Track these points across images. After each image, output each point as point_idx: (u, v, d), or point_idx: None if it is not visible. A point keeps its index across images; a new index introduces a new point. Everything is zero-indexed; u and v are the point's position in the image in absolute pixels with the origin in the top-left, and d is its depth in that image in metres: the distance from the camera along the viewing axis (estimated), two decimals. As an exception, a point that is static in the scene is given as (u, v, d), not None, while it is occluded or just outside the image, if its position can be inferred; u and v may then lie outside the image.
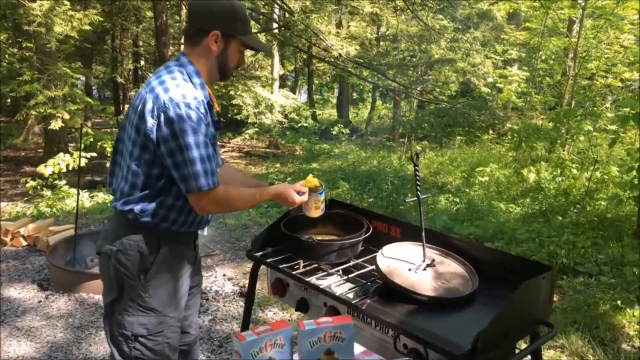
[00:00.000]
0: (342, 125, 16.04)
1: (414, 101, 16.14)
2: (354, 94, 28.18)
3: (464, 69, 14.45)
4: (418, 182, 1.98)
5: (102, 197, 8.24)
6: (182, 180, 1.86)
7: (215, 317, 3.77)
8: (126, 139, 1.98)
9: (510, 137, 10.81)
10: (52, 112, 8.93)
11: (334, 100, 26.46)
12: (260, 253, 2.37)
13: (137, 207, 1.94)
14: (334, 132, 15.77)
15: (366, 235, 2.29)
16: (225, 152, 15.69)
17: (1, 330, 3.57)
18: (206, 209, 1.93)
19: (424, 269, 1.97)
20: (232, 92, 15.73)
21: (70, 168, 7.47)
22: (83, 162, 7.79)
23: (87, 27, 8.65)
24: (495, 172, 9.26)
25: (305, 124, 16.24)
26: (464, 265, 2.03)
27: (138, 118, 1.89)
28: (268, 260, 2.28)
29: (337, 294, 1.96)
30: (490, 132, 14.31)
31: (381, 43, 18.36)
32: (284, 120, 16.11)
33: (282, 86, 20.70)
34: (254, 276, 2.42)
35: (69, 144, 12.85)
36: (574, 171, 8.75)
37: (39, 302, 4.01)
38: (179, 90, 1.86)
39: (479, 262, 2.04)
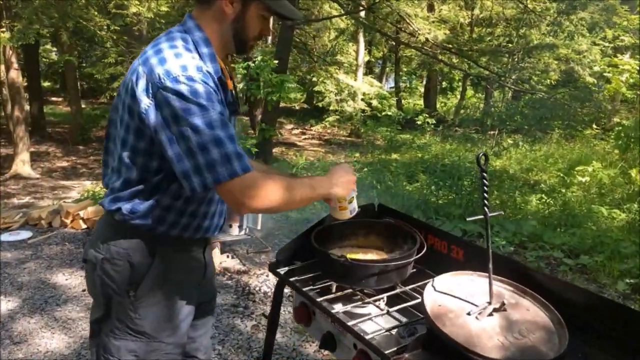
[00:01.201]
0: (427, 115, 15.24)
1: (508, 91, 14.96)
2: (444, 83, 26.93)
3: (566, 55, 13.10)
4: (486, 196, 1.44)
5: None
6: (196, 174, 1.43)
7: (259, 324, 3.40)
8: (118, 122, 1.60)
9: (617, 133, 9.58)
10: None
11: (422, 89, 25.43)
12: (285, 269, 1.93)
13: (127, 207, 1.57)
14: (418, 122, 15.01)
15: (418, 256, 1.78)
16: (305, 139, 15.47)
17: (39, 319, 3.43)
18: (246, 203, 1.46)
19: (490, 314, 1.44)
20: (314, 79, 15.42)
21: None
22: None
23: (165, 9, 8.60)
24: (597, 171, 8.21)
25: (389, 113, 15.61)
26: (549, 312, 1.46)
27: (130, 97, 1.51)
28: (292, 279, 1.84)
29: (368, 337, 1.48)
30: (594, 126, 12.92)
31: (475, 28, 17.21)
32: (367, 108, 15.57)
33: (368, 73, 20.13)
34: (277, 297, 1.99)
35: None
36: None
37: (83, 290, 3.85)
38: (178, 61, 1.45)
39: (571, 306, 1.47)
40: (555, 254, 4.88)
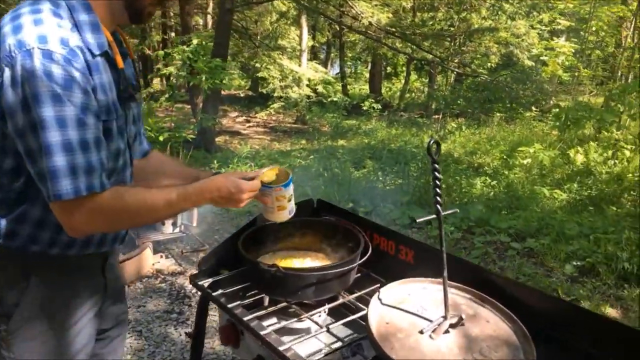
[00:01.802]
0: (373, 100, 15.16)
1: (451, 75, 15.07)
2: (388, 68, 26.99)
3: (506, 39, 13.26)
4: (438, 191, 1.22)
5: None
6: (39, 179, 1.15)
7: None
8: None
9: (556, 114, 9.76)
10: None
11: (367, 74, 25.43)
12: (209, 280, 1.66)
13: None
14: (364, 108, 14.92)
15: (362, 260, 1.55)
16: (250, 127, 15.05)
17: None
18: (79, 228, 1.21)
19: (446, 331, 1.22)
20: (257, 65, 14.98)
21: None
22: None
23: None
24: (538, 152, 8.30)
25: (334, 99, 15.41)
26: (511, 322, 1.27)
27: None
28: (217, 293, 1.57)
29: (304, 363, 1.24)
30: (533, 109, 13.19)
31: (417, 12, 17.22)
32: (313, 94, 15.31)
33: (312, 59, 19.82)
34: (201, 315, 1.71)
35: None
36: (628, 153, 7.73)
37: None
38: (37, 29, 1.13)
39: (535, 315, 1.28)
40: (502, 238, 4.82)
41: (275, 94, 14.98)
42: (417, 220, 1.27)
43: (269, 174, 1.55)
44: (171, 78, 11.10)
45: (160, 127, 8.03)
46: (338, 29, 18.57)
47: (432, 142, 1.19)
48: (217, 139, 11.11)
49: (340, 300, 1.57)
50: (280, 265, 1.64)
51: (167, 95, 9.72)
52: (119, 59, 1.29)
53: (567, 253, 4.43)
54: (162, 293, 3.64)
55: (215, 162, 7.77)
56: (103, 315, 1.51)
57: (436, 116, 12.97)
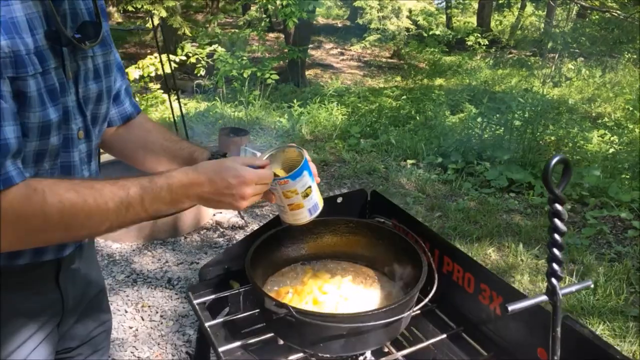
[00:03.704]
0: (479, 35, 13.77)
1: (574, 8, 13.19)
2: (501, -2, 24.50)
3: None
4: (556, 254, 0.65)
5: (194, 104, 7.53)
6: None
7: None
8: None
9: None
10: (148, 8, 8.25)
11: (476, 5, 23.34)
12: (211, 298, 1.22)
13: None
14: (469, 43, 13.61)
15: (422, 304, 1.03)
16: (343, 60, 14.36)
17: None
18: None
19: None
20: (354, -8, 14.03)
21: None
22: (173, 66, 7.12)
23: None
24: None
25: (436, 32, 14.19)
26: None
27: None
28: (213, 325, 1.13)
29: None
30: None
31: None
32: (412, 27, 14.17)
33: (416, -13, 18.34)
34: (202, 346, 1.29)
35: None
36: None
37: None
38: None
39: None
40: (622, 214, 3.99)
41: (372, 26, 14.05)
42: (510, 308, 0.69)
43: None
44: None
45: (243, 63, 7.65)
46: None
47: (556, 160, 0.62)
48: (307, 73, 10.63)
49: (386, 359, 1.07)
50: (305, 287, 1.17)
51: (262, 24, 9.25)
52: None
53: None
54: (218, 250, 3.34)
55: (295, 101, 7.30)
56: (64, 334, 1.13)
57: (551, 56, 11.48)
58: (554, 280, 0.68)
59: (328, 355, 1.05)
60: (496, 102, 7.73)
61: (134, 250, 3.25)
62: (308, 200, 1.06)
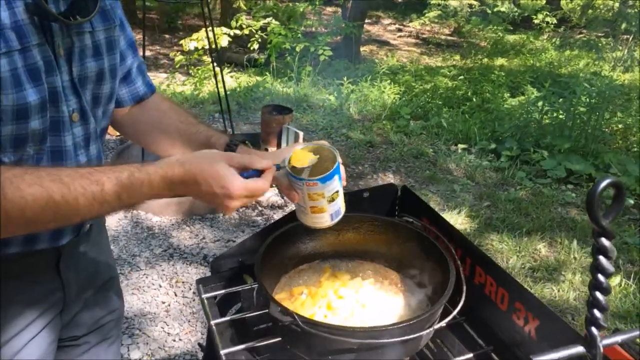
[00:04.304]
0: (547, 13, 13.02)
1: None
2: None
3: None
4: (599, 298, 0.52)
5: (246, 78, 7.50)
6: None
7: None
8: None
9: None
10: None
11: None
12: (221, 293, 1.15)
13: None
14: (535, 21, 12.91)
15: (448, 319, 0.92)
16: (401, 36, 13.96)
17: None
18: None
19: None
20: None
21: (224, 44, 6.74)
22: (225, 41, 7.11)
23: None
24: None
25: (501, 9, 13.52)
26: None
27: None
28: (219, 322, 1.06)
29: None
30: None
31: None
32: (475, 2, 13.56)
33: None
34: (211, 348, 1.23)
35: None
36: None
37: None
38: None
39: None
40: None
41: (433, 1, 13.56)
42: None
43: (300, 155, 0.97)
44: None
45: (297, 37, 7.53)
46: None
47: (605, 184, 0.49)
48: (362, 49, 10.39)
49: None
50: (320, 290, 1.08)
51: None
52: None
53: None
54: (255, 228, 3.30)
55: (345, 79, 7.13)
56: (69, 322, 1.10)
57: (624, 38, 10.71)
58: (594, 330, 0.56)
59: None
60: (560, 85, 7.29)
61: (172, 225, 3.26)
62: (333, 205, 0.98)
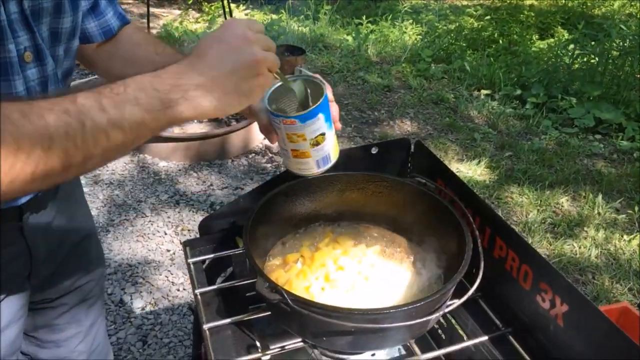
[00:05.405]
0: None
1: None
2: None
3: None
4: None
5: (261, 16, 7.19)
6: None
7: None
8: None
9: None
10: None
11: None
12: (210, 257, 1.04)
13: None
14: (569, -43, 12.10)
15: (463, 300, 0.80)
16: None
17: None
18: None
19: None
20: None
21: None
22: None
23: None
24: None
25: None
26: None
27: None
28: (205, 292, 0.96)
29: None
30: None
31: None
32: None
33: None
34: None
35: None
36: None
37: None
38: None
39: None
40: None
41: None
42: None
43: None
44: None
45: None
46: None
47: None
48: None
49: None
50: (317, 259, 0.96)
51: None
52: None
53: None
54: (265, 176, 3.19)
55: (364, 18, 6.77)
56: (40, 285, 1.00)
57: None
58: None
59: (335, 349, 0.85)
60: (594, 27, 6.84)
61: (179, 170, 3.16)
62: (317, 150, 0.85)
